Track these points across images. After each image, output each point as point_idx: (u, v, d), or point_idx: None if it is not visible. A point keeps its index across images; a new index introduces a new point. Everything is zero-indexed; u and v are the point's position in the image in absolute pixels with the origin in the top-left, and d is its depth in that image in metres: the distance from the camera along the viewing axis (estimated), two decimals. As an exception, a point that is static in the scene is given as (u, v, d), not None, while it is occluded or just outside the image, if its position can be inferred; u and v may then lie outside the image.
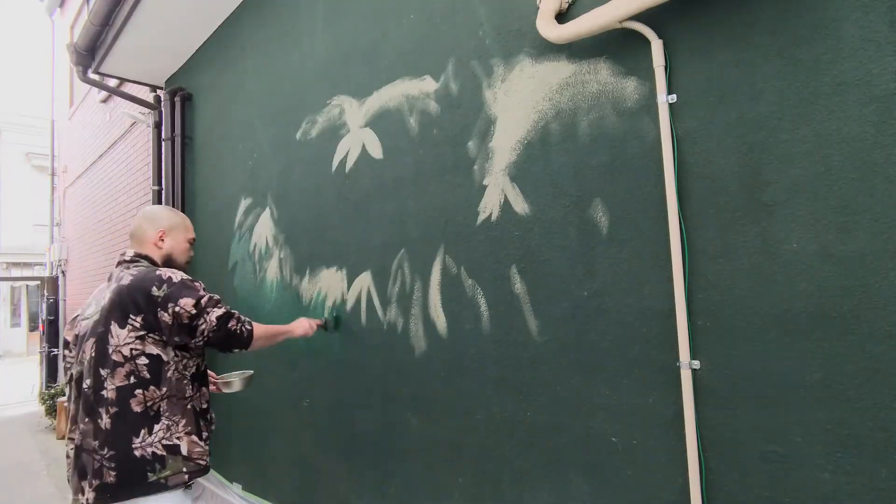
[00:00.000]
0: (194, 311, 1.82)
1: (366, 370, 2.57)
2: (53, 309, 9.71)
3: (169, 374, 1.84)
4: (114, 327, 1.79)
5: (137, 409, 1.77)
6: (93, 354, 1.82)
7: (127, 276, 1.87)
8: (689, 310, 1.46)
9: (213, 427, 2.00)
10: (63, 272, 9.67)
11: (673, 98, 1.50)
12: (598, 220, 1.67)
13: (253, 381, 2.56)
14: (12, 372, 14.50)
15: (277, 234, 3.29)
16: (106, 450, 1.74)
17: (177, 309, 1.80)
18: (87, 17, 4.40)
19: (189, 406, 1.90)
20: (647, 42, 1.54)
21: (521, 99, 1.90)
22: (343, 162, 2.73)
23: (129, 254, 2.01)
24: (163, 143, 4.77)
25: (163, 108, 4.81)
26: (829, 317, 1.25)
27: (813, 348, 1.27)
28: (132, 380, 1.78)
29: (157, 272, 1.87)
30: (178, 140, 4.60)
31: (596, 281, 1.68)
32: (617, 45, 1.64)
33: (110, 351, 1.78)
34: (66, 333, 2.04)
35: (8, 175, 18.14)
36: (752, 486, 1.35)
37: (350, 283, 2.67)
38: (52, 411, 7.84)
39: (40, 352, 9.95)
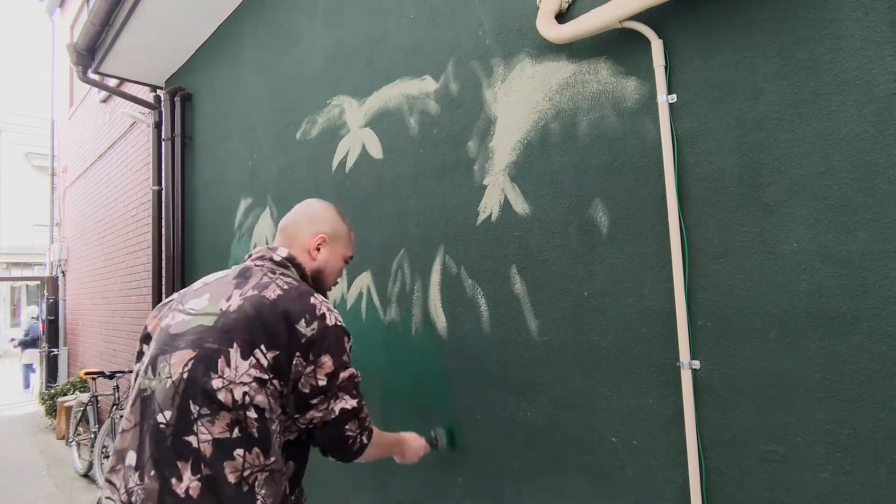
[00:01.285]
0: (323, 384, 1.32)
1: (365, 369, 2.57)
2: (53, 309, 9.72)
3: (275, 437, 1.30)
4: (234, 354, 1.26)
5: (232, 478, 1.21)
6: (184, 376, 1.25)
7: (274, 288, 1.36)
8: (689, 310, 1.46)
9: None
10: (63, 272, 9.67)
11: (673, 98, 1.50)
12: (598, 220, 1.67)
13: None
14: (12, 372, 14.50)
15: (277, 235, 3.28)
16: None
17: (314, 368, 1.32)
18: (87, 17, 4.40)
19: (284, 487, 1.35)
20: (647, 42, 1.54)
21: (521, 99, 1.90)
22: (343, 162, 2.73)
23: (282, 253, 1.52)
24: (163, 143, 4.78)
25: (163, 108, 4.82)
26: (829, 317, 1.25)
27: (813, 348, 1.27)
28: (236, 433, 1.23)
29: (312, 299, 1.36)
30: (178, 140, 4.61)
31: (596, 281, 1.68)
32: (617, 45, 1.64)
33: (217, 385, 1.23)
34: (148, 320, 1.48)
35: (8, 175, 18.15)
36: (752, 486, 1.35)
37: (350, 282, 2.67)
38: (51, 411, 7.84)
39: (40, 352, 9.95)
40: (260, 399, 1.25)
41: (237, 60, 3.85)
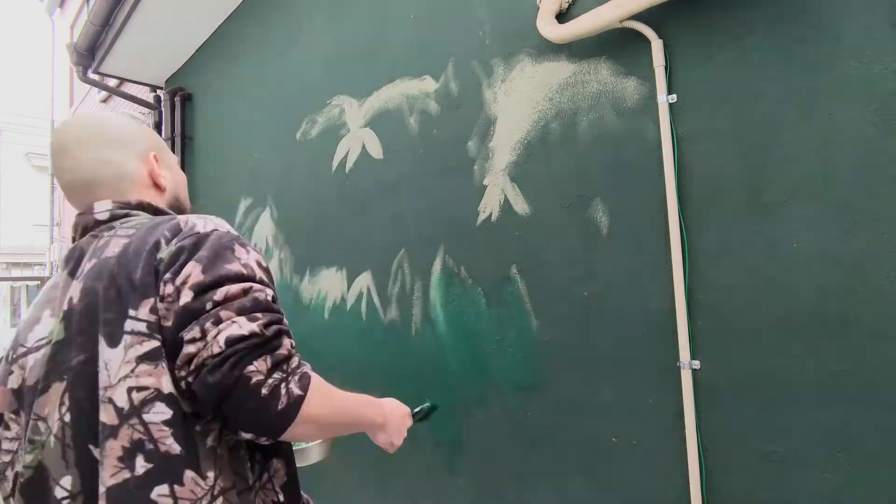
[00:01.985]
0: (190, 303, 0.79)
1: (365, 370, 2.57)
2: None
3: (209, 440, 0.81)
4: (103, 349, 0.79)
5: None
6: (65, 419, 0.79)
7: (116, 241, 0.87)
8: (690, 310, 1.46)
9: None
10: (63, 272, 9.68)
11: (673, 98, 1.50)
12: (599, 221, 1.67)
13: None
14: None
15: (277, 235, 3.29)
16: None
17: (175, 287, 0.80)
18: (87, 17, 4.40)
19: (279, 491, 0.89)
20: (647, 42, 1.54)
21: (521, 99, 1.90)
22: (343, 162, 2.73)
23: (104, 206, 0.94)
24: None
25: (163, 108, 4.81)
26: (829, 317, 1.25)
27: (813, 348, 1.27)
28: (140, 463, 0.76)
29: (174, 221, 0.88)
30: (178, 140, 4.60)
31: (596, 281, 1.68)
32: (617, 45, 1.64)
33: (103, 398, 0.78)
34: None
35: (8, 175, 18.15)
36: (753, 486, 1.35)
37: (350, 283, 2.67)
38: None
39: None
40: (162, 382, 0.77)
41: (237, 60, 3.85)
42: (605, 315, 1.66)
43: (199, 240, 0.84)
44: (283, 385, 0.79)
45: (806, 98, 1.29)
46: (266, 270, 0.89)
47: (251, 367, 0.77)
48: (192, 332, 0.77)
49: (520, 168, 1.90)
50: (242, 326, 0.78)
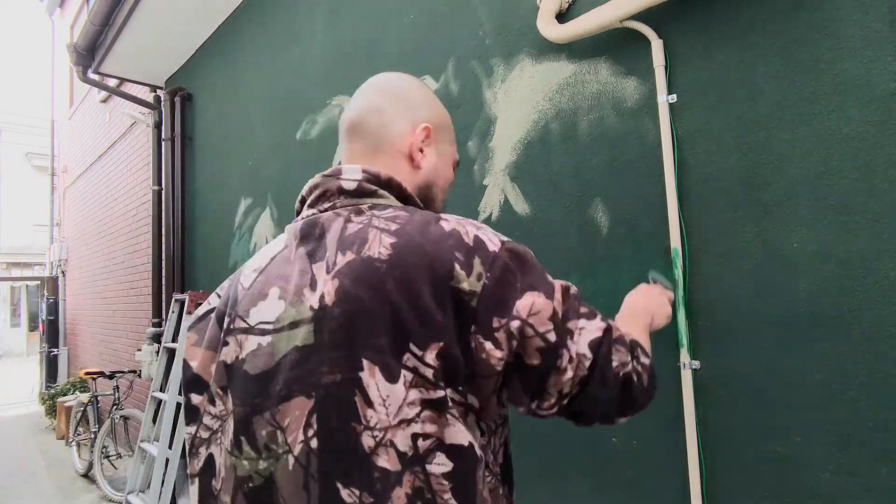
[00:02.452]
0: (553, 336, 0.72)
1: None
2: (53, 309, 9.74)
3: (480, 487, 0.72)
4: (371, 377, 0.69)
5: None
6: (311, 443, 0.70)
7: (379, 238, 0.74)
8: (690, 310, 1.46)
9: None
10: (63, 272, 9.69)
11: (673, 98, 1.50)
12: (599, 221, 1.67)
13: None
14: (12, 372, 14.52)
15: (277, 235, 3.28)
16: None
17: (524, 325, 0.71)
18: (87, 17, 4.41)
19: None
20: (647, 42, 1.54)
21: (521, 99, 1.90)
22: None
23: (353, 174, 0.83)
24: (163, 144, 4.79)
25: (163, 108, 4.83)
26: (829, 317, 1.25)
27: (813, 348, 1.27)
28: None
29: (444, 226, 0.75)
30: (178, 140, 4.62)
31: (596, 281, 1.68)
32: (617, 45, 1.64)
33: (371, 443, 0.68)
34: (188, 349, 0.87)
35: (8, 175, 18.16)
36: (753, 486, 1.36)
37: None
38: (51, 412, 7.84)
39: (40, 352, 9.96)
40: (451, 434, 0.69)
41: (237, 60, 3.85)
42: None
43: (507, 263, 0.73)
44: (636, 363, 0.78)
45: (806, 97, 1.29)
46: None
47: (616, 363, 0.75)
48: (562, 359, 0.72)
49: (520, 168, 1.90)
50: (590, 328, 0.75)
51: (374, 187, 0.82)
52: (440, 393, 0.68)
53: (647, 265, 1.56)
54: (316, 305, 0.73)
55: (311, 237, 0.80)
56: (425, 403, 0.68)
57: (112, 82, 6.04)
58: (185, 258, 4.56)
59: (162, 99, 4.88)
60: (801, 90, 1.29)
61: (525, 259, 0.76)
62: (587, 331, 0.74)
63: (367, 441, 0.67)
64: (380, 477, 0.67)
